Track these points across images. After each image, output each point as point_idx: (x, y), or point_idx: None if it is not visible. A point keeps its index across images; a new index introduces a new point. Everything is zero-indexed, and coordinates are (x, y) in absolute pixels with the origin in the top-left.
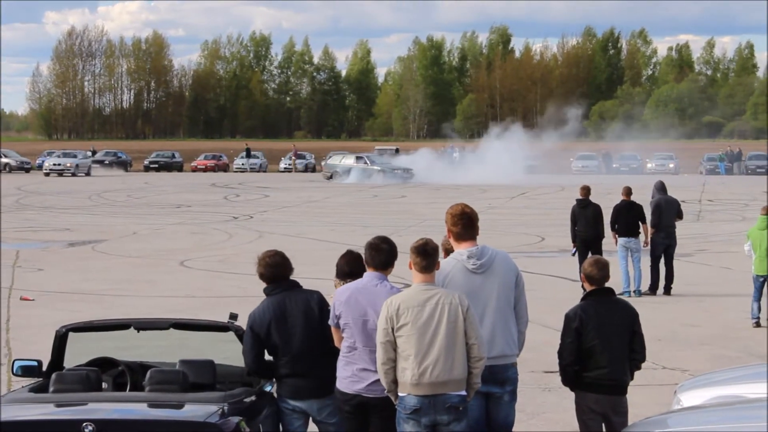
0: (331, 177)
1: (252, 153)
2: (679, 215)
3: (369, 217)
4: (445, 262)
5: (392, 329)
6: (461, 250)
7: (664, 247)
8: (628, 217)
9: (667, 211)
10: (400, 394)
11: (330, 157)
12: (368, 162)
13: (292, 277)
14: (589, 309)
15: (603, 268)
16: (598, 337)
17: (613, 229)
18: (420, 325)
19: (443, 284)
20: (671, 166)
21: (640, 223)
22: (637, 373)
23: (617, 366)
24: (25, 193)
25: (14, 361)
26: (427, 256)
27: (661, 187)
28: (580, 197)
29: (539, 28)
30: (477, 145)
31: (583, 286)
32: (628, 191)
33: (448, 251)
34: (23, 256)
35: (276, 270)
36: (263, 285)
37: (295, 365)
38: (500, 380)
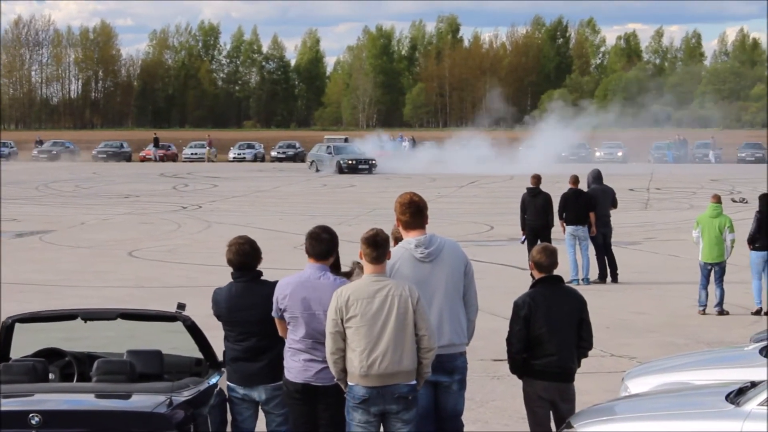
0: (311, 166)
1: (163, 144)
2: (614, 204)
3: (318, 206)
4: (393, 251)
5: (341, 320)
6: (409, 238)
7: (601, 237)
8: (576, 206)
9: (602, 200)
10: (349, 383)
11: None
12: (333, 152)
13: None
14: (537, 296)
15: (551, 256)
16: (547, 324)
17: (561, 217)
18: (369, 316)
19: (391, 273)
20: (620, 154)
21: (588, 212)
22: (584, 361)
23: (565, 353)
24: None
25: None
26: (377, 246)
27: (596, 176)
28: (531, 186)
29: (488, 17)
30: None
31: (531, 274)
32: (575, 179)
33: (398, 240)
34: None
35: (244, 258)
36: (211, 275)
37: (245, 351)
38: (449, 369)
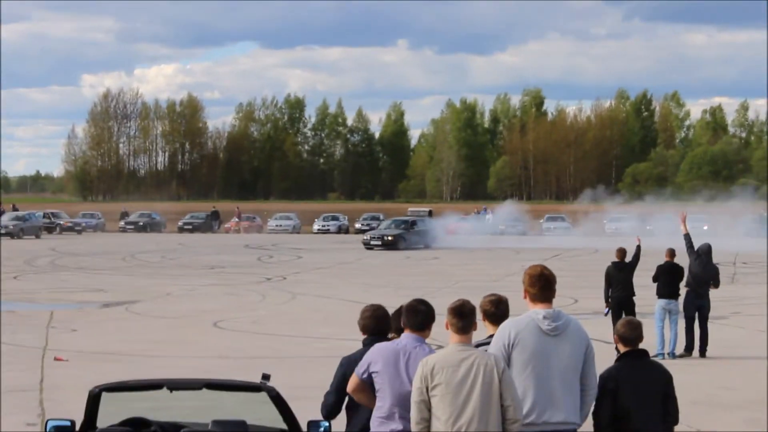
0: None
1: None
2: (715, 284)
3: (401, 278)
4: (518, 320)
5: (426, 389)
6: (537, 309)
7: (695, 310)
8: (669, 279)
9: (701, 275)
10: None
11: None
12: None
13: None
14: (623, 370)
15: (636, 329)
16: (633, 398)
17: (654, 282)
18: (454, 385)
19: (513, 341)
20: (705, 228)
21: (680, 286)
22: None
23: (651, 428)
24: (59, 254)
25: (47, 421)
26: (463, 317)
27: (706, 251)
28: (617, 260)
29: (572, 90)
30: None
31: (617, 348)
32: (671, 253)
33: (486, 312)
34: (57, 317)
35: (376, 323)
36: (296, 347)
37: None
38: None
